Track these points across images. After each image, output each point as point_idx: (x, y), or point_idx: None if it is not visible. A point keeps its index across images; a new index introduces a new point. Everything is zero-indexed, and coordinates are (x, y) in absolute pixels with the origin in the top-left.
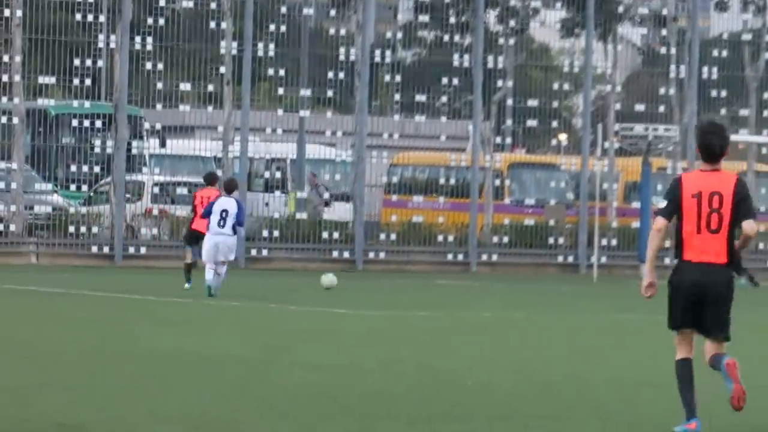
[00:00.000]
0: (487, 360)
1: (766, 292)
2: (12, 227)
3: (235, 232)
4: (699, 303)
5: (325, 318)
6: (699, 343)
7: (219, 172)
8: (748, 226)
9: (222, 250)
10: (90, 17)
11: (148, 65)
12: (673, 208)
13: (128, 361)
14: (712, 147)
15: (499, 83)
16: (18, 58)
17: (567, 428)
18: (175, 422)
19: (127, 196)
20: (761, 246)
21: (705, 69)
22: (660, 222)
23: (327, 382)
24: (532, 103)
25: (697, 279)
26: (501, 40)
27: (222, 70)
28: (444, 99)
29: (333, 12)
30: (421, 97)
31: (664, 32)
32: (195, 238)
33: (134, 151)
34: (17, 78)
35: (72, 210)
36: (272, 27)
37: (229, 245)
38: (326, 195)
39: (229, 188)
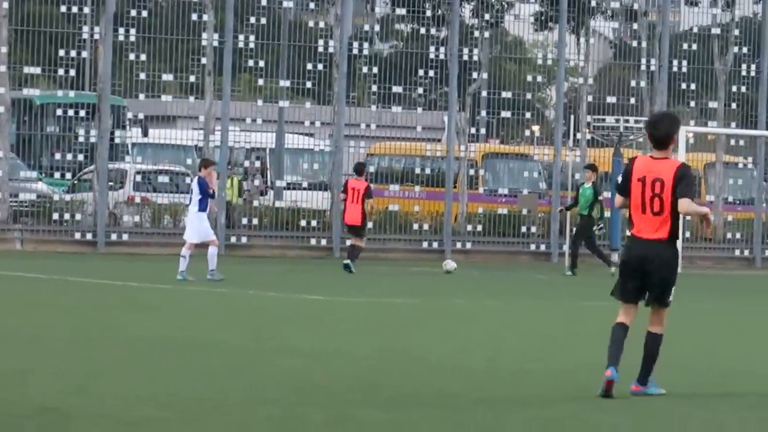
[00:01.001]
0: (461, 346)
1: (725, 280)
2: None
3: (202, 207)
4: (644, 275)
5: (304, 305)
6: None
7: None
8: (682, 205)
9: (188, 225)
10: (74, 9)
11: (131, 56)
12: (625, 185)
13: (112, 346)
14: (658, 135)
15: (474, 75)
16: (4, 49)
17: (540, 412)
18: (159, 407)
19: (110, 184)
20: (728, 236)
21: (675, 62)
22: (618, 200)
23: (309, 368)
24: (506, 94)
25: (642, 253)
26: (476, 33)
27: (203, 61)
28: (420, 90)
29: (312, 5)
30: (397, 89)
31: (635, 26)
32: (354, 231)
33: (117, 140)
34: (3, 68)
35: (56, 197)
36: (253, 19)
37: (193, 219)
38: (258, 182)
39: (198, 168)
